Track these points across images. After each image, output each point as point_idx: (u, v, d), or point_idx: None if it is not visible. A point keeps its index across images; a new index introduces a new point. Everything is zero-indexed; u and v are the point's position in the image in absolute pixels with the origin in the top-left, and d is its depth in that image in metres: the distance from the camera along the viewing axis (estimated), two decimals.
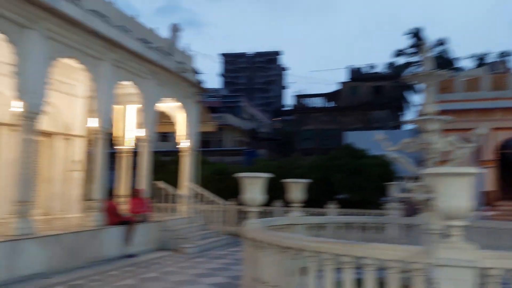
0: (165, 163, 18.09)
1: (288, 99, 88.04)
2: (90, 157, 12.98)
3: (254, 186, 5.50)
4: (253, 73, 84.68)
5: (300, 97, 40.59)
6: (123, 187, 13.19)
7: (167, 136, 28.45)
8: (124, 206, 10.89)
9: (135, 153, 14.45)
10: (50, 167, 11.49)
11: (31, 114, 7.73)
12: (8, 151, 9.96)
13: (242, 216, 14.42)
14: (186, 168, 13.30)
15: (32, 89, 7.69)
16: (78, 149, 12.19)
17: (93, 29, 8.77)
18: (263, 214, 7.46)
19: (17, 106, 7.61)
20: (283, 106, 72.14)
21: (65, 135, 11.73)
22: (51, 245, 7.75)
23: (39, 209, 10.38)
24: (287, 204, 12.05)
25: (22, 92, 7.58)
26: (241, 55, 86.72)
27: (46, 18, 7.82)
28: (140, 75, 10.93)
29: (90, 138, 12.82)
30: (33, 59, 7.70)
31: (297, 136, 36.65)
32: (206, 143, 27.89)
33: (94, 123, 9.55)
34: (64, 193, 11.72)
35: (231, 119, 37.45)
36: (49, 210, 11.24)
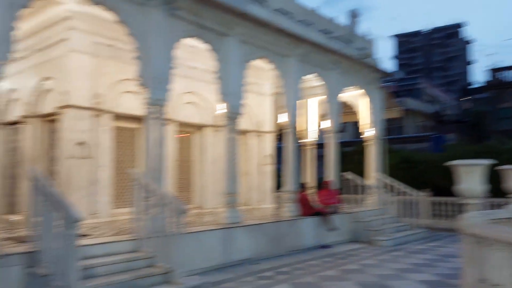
0: (347, 154, 17.89)
1: (476, 75, 77.79)
2: (278, 151, 13.72)
3: (472, 175, 4.85)
4: (431, 51, 77.61)
5: (495, 70, 35.25)
6: (309, 179, 13.55)
7: (345, 126, 28.24)
8: (314, 198, 11.11)
9: (318, 146, 14.71)
10: (246, 162, 12.51)
11: (232, 114, 8.46)
12: (213, 150, 11.21)
13: (436, 208, 13.25)
14: (372, 157, 12.85)
15: (232, 91, 8.42)
16: (268, 144, 12.97)
17: (279, 27, 9.12)
18: (465, 206, 6.55)
19: (222, 108, 8.42)
20: (470, 83, 64.20)
21: (257, 132, 12.60)
22: (256, 233, 8.37)
23: (240, 200, 11.41)
24: (498, 194, 10.49)
25: (225, 95, 8.36)
26: (416, 34, 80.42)
27: (240, 24, 8.46)
28: (324, 67, 10.96)
29: (279, 133, 13.53)
30: (231, 63, 8.43)
31: (492, 116, 31.99)
32: (385, 131, 26.67)
33: (283, 118, 9.97)
34: (259, 185, 12.63)
35: (410, 103, 34.95)
36: (247, 201, 12.26)
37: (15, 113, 9.65)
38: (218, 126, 11.21)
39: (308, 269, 7.43)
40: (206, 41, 8.12)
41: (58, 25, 8.38)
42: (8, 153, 9.84)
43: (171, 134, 10.32)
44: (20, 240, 6.03)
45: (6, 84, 9.23)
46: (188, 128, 10.96)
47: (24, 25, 6.28)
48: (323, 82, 11.11)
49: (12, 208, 9.42)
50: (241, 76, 8.65)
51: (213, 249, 7.50)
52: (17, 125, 9.64)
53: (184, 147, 10.95)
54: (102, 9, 6.95)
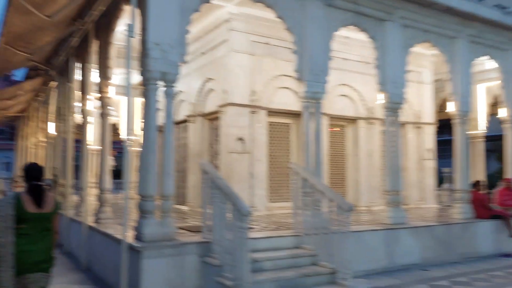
0: None
1: None
2: (438, 144, 12.40)
3: None
4: None
5: None
6: (480, 176, 11.93)
7: None
8: (490, 198, 9.67)
9: (487, 138, 12.95)
10: (403, 157, 11.55)
11: (393, 105, 7.80)
12: (367, 144, 10.63)
13: None
14: None
15: (392, 80, 7.76)
16: (428, 137, 11.81)
17: (447, 6, 8.09)
18: None
19: (380, 99, 7.84)
20: None
21: (415, 123, 11.57)
22: (423, 236, 7.57)
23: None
24: None
25: (383, 84, 7.75)
26: None
27: (401, 7, 7.75)
28: (499, 47, 9.45)
29: (439, 125, 12.26)
30: (390, 50, 7.78)
31: None
32: None
33: (450, 107, 8.88)
34: (419, 183, 11.58)
35: None
36: (406, 199, 11.31)
37: (182, 113, 10.56)
38: (372, 119, 10.61)
39: (491, 281, 6.40)
40: (363, 28, 7.64)
41: (220, 28, 8.86)
42: (177, 150, 10.84)
43: (323, 128, 10.09)
44: (192, 230, 6.47)
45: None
46: (341, 122, 10.59)
47: (192, 29, 6.70)
48: (498, 65, 9.60)
49: (181, 199, 10.34)
50: (402, 63, 7.93)
51: (376, 251, 7.00)
52: (184, 124, 10.54)
53: (337, 141, 10.62)
54: (261, 7, 7.07)
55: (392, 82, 7.76)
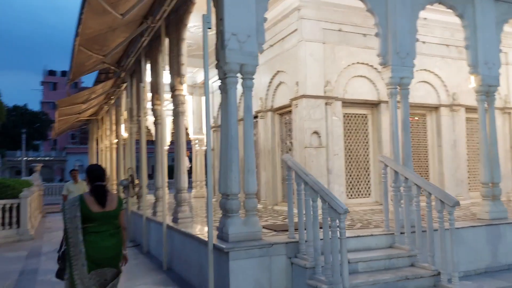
0: None
1: None
2: None
3: None
4: None
5: None
6: None
7: None
8: None
9: None
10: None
11: (485, 88, 7.02)
12: (450, 133, 9.79)
13: None
14: None
15: (484, 61, 6.98)
16: None
17: None
18: None
19: (471, 82, 7.09)
20: None
21: (502, 109, 10.51)
22: None
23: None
24: None
25: (475, 66, 6.99)
26: None
27: None
28: None
29: None
30: (482, 27, 7.00)
31: None
32: None
33: None
34: (509, 174, 10.51)
35: None
36: None
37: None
38: (456, 105, 9.75)
39: None
40: (450, 6, 6.93)
41: (290, 17, 8.47)
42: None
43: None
44: (276, 229, 6.16)
45: None
46: (421, 110, 9.82)
47: None
48: None
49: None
50: (496, 41, 7.12)
51: (477, 249, 6.31)
52: (253, 120, 10.25)
53: (417, 131, 9.87)
54: None
55: (484, 63, 6.99)
